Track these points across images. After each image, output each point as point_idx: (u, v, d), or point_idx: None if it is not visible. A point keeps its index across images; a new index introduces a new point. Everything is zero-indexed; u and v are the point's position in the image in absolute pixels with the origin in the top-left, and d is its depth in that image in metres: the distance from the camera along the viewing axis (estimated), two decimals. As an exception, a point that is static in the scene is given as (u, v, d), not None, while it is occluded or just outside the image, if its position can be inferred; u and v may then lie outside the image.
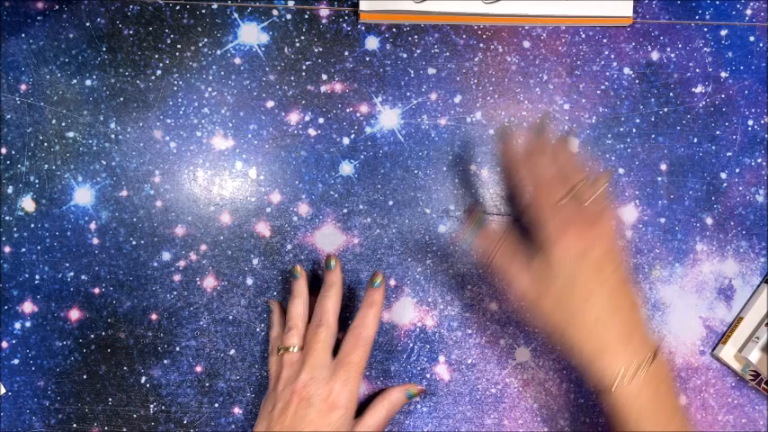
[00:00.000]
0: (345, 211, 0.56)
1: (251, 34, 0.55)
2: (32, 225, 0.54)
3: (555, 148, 0.50)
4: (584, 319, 0.44)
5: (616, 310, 0.44)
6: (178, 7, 0.55)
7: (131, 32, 0.55)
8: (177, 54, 0.55)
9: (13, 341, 0.54)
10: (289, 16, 0.56)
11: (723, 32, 0.58)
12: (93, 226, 0.54)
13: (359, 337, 0.49)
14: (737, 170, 0.58)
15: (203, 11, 0.55)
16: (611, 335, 0.44)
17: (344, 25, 0.56)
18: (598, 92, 0.57)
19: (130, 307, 0.55)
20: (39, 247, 0.54)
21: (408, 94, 0.56)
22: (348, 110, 0.56)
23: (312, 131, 0.56)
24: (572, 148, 0.53)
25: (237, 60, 0.55)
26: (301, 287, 0.53)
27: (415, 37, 0.56)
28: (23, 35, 0.54)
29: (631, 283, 0.46)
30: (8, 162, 0.54)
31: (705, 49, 0.58)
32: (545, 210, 0.46)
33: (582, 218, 0.46)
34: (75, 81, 0.55)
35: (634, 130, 0.57)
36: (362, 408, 0.53)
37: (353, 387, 0.48)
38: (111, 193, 0.55)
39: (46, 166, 0.54)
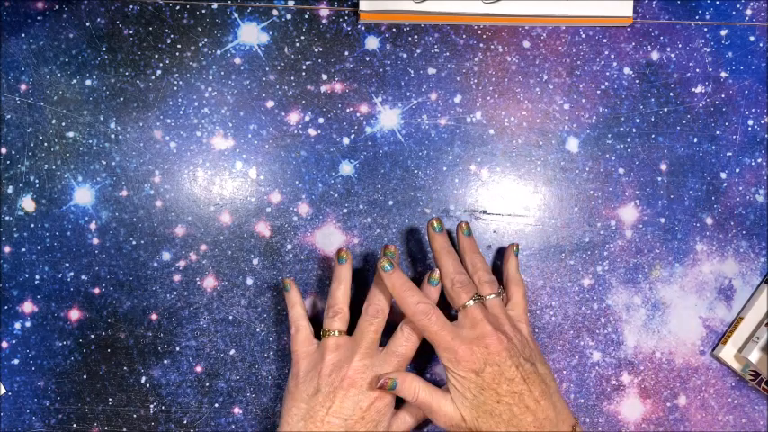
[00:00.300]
0: (345, 211, 0.56)
1: (251, 34, 0.55)
2: (32, 225, 0.54)
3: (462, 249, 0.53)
4: None
5: (522, 418, 0.46)
6: (178, 7, 0.55)
7: (131, 32, 0.55)
8: (177, 54, 0.55)
9: (13, 341, 0.54)
10: (289, 16, 0.56)
11: (723, 32, 0.58)
12: (93, 226, 0.54)
13: (412, 333, 0.50)
14: (737, 170, 0.58)
15: (203, 11, 0.55)
16: None
17: (344, 25, 0.56)
18: (598, 92, 0.57)
19: (130, 307, 0.55)
20: (39, 247, 0.54)
21: (408, 94, 0.56)
22: (348, 110, 0.56)
23: (312, 131, 0.56)
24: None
25: (237, 60, 0.55)
26: (345, 272, 0.52)
27: (415, 37, 0.56)
28: (23, 35, 0.54)
29: (532, 378, 0.47)
30: (8, 162, 0.54)
31: (705, 49, 0.58)
32: (440, 328, 0.47)
33: (469, 332, 0.47)
34: (75, 81, 0.55)
35: (634, 130, 0.57)
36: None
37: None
38: (111, 193, 0.55)
39: (46, 166, 0.54)
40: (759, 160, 0.58)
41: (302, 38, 0.56)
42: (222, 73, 0.55)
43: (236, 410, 0.55)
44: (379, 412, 0.48)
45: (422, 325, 0.47)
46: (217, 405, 0.55)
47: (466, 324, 0.48)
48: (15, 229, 0.54)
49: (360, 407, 0.48)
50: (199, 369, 0.55)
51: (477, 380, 0.46)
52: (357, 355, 0.49)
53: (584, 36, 0.57)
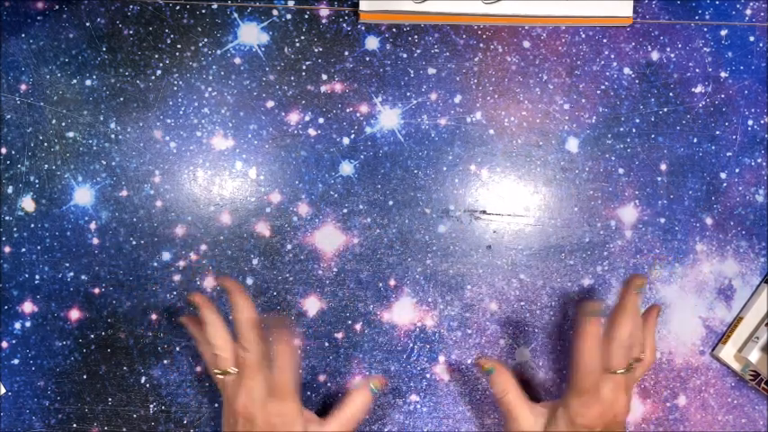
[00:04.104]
0: (345, 211, 0.56)
1: (251, 34, 0.55)
2: (32, 225, 0.54)
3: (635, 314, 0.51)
4: None
5: None
6: (178, 7, 0.55)
7: (131, 32, 0.55)
8: (177, 54, 0.55)
9: (13, 341, 0.54)
10: (289, 16, 0.56)
11: (723, 32, 0.58)
12: (93, 226, 0.54)
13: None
14: (737, 170, 0.58)
15: (203, 11, 0.55)
16: None
17: (344, 25, 0.56)
18: (598, 92, 0.57)
19: (130, 307, 0.55)
20: (39, 247, 0.54)
21: (408, 94, 0.56)
22: (348, 110, 0.56)
23: (312, 131, 0.56)
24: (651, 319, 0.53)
25: (237, 60, 0.55)
26: (211, 314, 0.49)
27: (415, 37, 0.56)
28: (23, 35, 0.54)
29: None
30: (8, 162, 0.54)
31: (705, 49, 0.58)
32: (591, 374, 0.47)
33: (610, 401, 0.48)
34: (75, 81, 0.55)
35: (634, 130, 0.57)
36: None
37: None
38: (111, 193, 0.55)
39: (46, 166, 0.54)
40: (759, 160, 0.58)
41: (302, 38, 0.56)
42: (222, 73, 0.55)
43: (236, 410, 0.55)
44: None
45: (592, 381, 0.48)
46: (217, 405, 0.55)
47: (608, 385, 0.48)
48: (15, 229, 0.54)
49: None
50: (199, 369, 0.55)
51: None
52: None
53: (584, 36, 0.57)
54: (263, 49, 0.55)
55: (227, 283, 0.49)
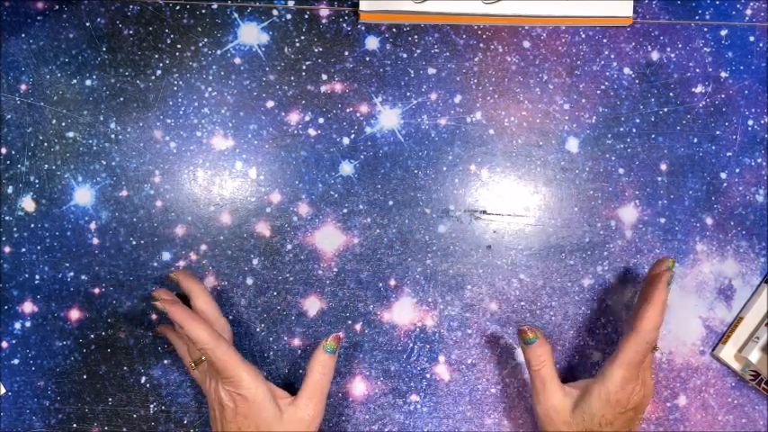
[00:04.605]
0: (345, 211, 0.56)
1: (251, 34, 0.55)
2: (32, 225, 0.54)
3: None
4: None
5: None
6: (178, 7, 0.55)
7: (131, 32, 0.55)
8: (177, 54, 0.55)
9: (13, 341, 0.54)
10: (289, 16, 0.56)
11: (723, 32, 0.58)
12: (93, 226, 0.54)
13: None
14: (737, 170, 0.58)
15: (203, 11, 0.55)
16: None
17: (344, 25, 0.56)
18: (598, 92, 0.57)
19: (130, 307, 0.55)
20: (39, 247, 0.54)
21: (408, 94, 0.56)
22: (348, 110, 0.56)
23: (312, 131, 0.56)
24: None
25: (237, 60, 0.55)
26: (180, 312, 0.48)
27: (415, 37, 0.56)
28: (23, 35, 0.54)
29: None
30: (8, 162, 0.54)
31: (705, 49, 0.58)
32: (636, 356, 0.48)
33: (643, 380, 0.49)
34: (75, 81, 0.55)
35: (634, 130, 0.57)
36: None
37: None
38: (111, 193, 0.55)
39: (46, 166, 0.54)
40: (759, 160, 0.58)
41: (302, 38, 0.56)
42: (222, 73, 0.55)
43: (236, 410, 0.55)
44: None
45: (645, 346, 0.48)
46: (217, 405, 0.55)
47: (646, 366, 0.49)
48: (15, 229, 0.54)
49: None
50: (199, 369, 0.55)
51: (613, 412, 0.48)
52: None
53: (584, 36, 0.57)
54: (263, 49, 0.55)
55: (167, 302, 0.48)
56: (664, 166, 0.57)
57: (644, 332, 0.48)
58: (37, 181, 0.54)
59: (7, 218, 0.54)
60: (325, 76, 0.56)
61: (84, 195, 0.55)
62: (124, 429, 0.55)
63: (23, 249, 0.54)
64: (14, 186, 0.54)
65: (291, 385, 0.55)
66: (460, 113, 0.56)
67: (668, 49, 0.57)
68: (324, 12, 0.56)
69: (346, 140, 0.56)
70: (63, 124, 0.54)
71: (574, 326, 0.57)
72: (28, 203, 0.54)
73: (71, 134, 0.55)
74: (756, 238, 0.58)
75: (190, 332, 0.46)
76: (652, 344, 0.48)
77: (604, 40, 0.57)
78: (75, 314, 0.54)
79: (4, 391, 0.54)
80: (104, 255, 0.54)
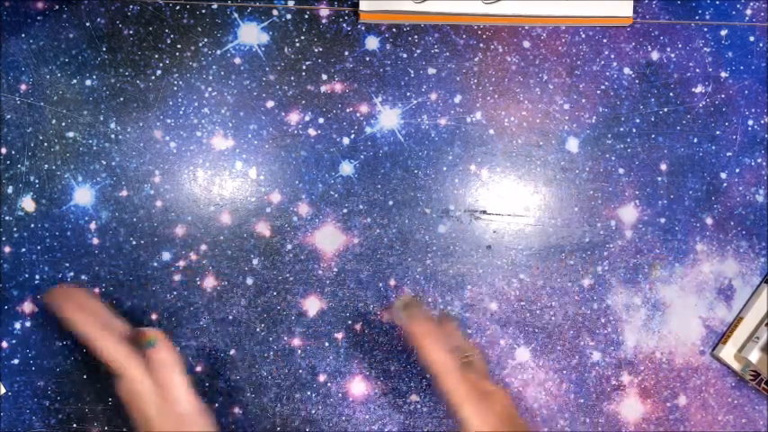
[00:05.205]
0: (345, 211, 0.56)
1: (251, 34, 0.55)
2: (32, 225, 0.54)
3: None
4: None
5: None
6: (178, 7, 0.55)
7: (131, 32, 0.55)
8: (177, 54, 0.55)
9: (13, 341, 0.54)
10: (289, 16, 0.56)
11: (723, 32, 0.58)
12: (93, 226, 0.54)
13: None
14: (737, 170, 0.58)
15: (203, 11, 0.55)
16: None
17: (344, 25, 0.56)
18: (598, 92, 0.57)
19: (130, 307, 0.55)
20: (39, 247, 0.54)
21: (408, 94, 0.56)
22: (348, 110, 0.56)
23: (312, 131, 0.56)
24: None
25: (237, 60, 0.55)
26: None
27: (415, 37, 0.56)
28: (23, 35, 0.54)
29: None
30: (8, 162, 0.54)
31: (705, 49, 0.58)
32: (459, 384, 0.45)
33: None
34: (75, 81, 0.55)
35: (634, 130, 0.57)
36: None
37: None
38: (111, 193, 0.55)
39: (46, 166, 0.54)
40: (759, 160, 0.58)
41: (302, 38, 0.56)
42: (222, 73, 0.55)
43: (236, 410, 0.55)
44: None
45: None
46: (217, 405, 0.55)
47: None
48: (15, 229, 0.54)
49: None
50: (199, 369, 0.55)
51: None
52: None
53: (584, 36, 0.57)
54: (263, 49, 0.55)
55: None
56: (664, 166, 0.57)
57: (442, 369, 0.45)
58: (37, 181, 0.54)
59: (7, 218, 0.54)
60: (325, 76, 0.56)
61: (84, 195, 0.55)
62: (124, 429, 0.55)
63: (23, 249, 0.54)
64: (14, 186, 0.54)
65: (291, 385, 0.55)
66: (460, 113, 0.56)
67: (668, 49, 0.58)
68: (324, 12, 0.56)
69: (346, 140, 0.56)
70: (63, 124, 0.54)
71: (574, 326, 0.57)
72: (28, 203, 0.54)
73: (71, 134, 0.55)
74: (756, 238, 0.58)
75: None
76: (456, 362, 0.45)
77: (604, 40, 0.57)
78: (75, 314, 0.54)
79: (4, 391, 0.54)
80: (104, 255, 0.54)
